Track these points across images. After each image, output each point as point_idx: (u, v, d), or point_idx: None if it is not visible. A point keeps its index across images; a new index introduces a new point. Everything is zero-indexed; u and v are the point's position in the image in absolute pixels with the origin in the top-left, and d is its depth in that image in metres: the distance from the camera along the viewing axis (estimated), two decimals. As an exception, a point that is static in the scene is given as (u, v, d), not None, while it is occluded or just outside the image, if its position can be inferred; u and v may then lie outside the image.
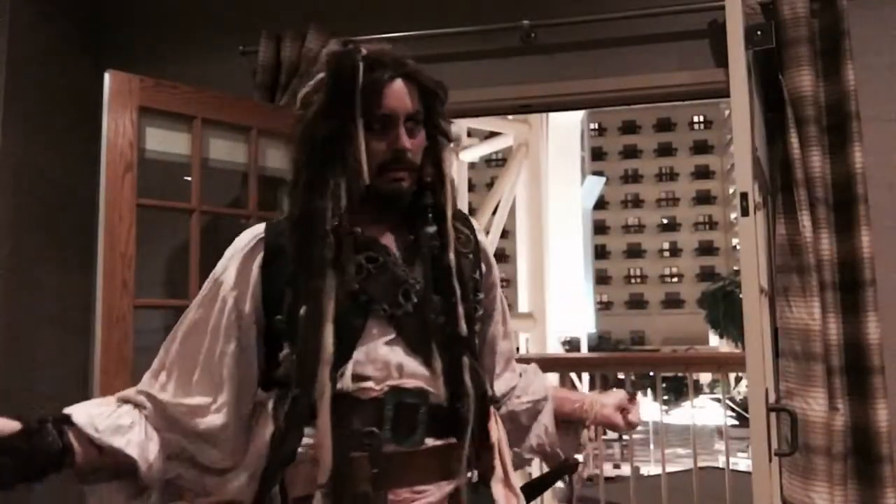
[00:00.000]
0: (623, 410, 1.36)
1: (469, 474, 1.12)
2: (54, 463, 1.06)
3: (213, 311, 1.16)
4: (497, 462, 1.19)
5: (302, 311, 1.09)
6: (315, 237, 1.10)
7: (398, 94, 1.13)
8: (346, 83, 1.11)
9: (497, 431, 1.22)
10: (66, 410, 1.10)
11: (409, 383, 1.11)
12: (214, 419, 1.14)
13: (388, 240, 1.19)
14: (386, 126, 1.12)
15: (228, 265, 1.18)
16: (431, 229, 1.16)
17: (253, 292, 1.16)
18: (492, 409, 1.22)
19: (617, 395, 1.38)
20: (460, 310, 1.14)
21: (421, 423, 1.10)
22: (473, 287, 1.20)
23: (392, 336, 1.12)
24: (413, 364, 1.12)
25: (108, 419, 1.11)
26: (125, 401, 1.17)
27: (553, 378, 3.29)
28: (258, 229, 1.21)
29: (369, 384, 1.10)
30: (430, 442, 1.10)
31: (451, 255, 1.15)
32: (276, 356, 1.14)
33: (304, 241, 1.12)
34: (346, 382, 1.08)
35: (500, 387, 1.35)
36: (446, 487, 1.10)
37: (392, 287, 1.13)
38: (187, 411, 1.14)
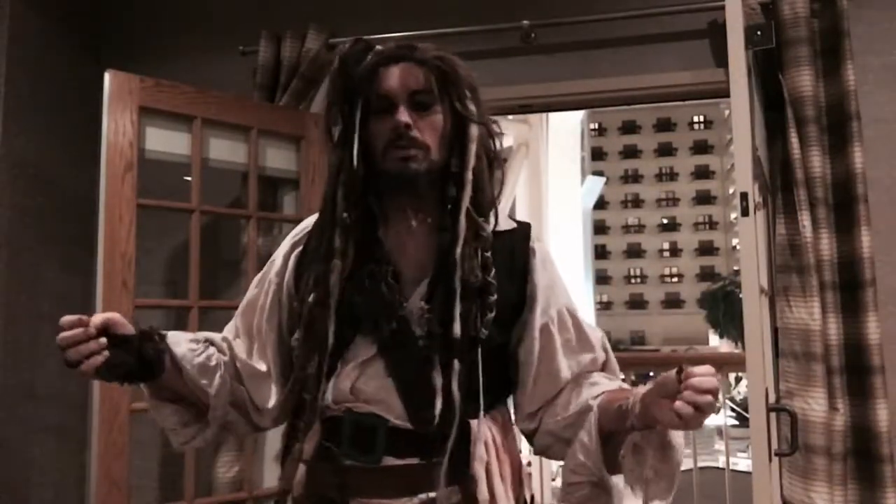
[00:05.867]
0: (675, 394, 0.94)
1: (432, 494, 1.08)
2: (149, 371, 1.12)
3: (262, 292, 1.25)
4: (483, 492, 1.11)
5: (310, 297, 1.12)
6: (326, 224, 1.14)
7: (397, 75, 1.11)
8: (350, 72, 1.11)
9: (488, 457, 1.13)
10: (168, 336, 1.18)
11: (363, 408, 1.11)
12: (267, 390, 1.23)
13: (406, 233, 1.16)
14: (387, 108, 1.10)
15: (281, 249, 1.26)
16: (447, 222, 1.12)
17: (288, 281, 1.22)
18: (484, 430, 1.12)
19: (663, 377, 0.98)
20: (456, 311, 1.08)
21: (379, 444, 1.09)
22: (484, 288, 1.11)
23: (372, 354, 1.11)
24: (374, 389, 1.10)
25: (200, 357, 1.19)
26: (211, 343, 1.24)
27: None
28: (311, 220, 1.25)
29: (329, 404, 1.12)
30: (389, 461, 1.09)
31: (458, 250, 1.09)
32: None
33: (320, 227, 1.16)
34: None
35: (531, 403, 1.21)
36: None
37: (378, 307, 1.10)
38: (254, 373, 1.23)
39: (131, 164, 2.20)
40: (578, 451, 1.11)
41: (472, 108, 1.14)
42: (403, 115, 1.09)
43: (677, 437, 1.07)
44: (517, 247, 1.20)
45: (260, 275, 1.27)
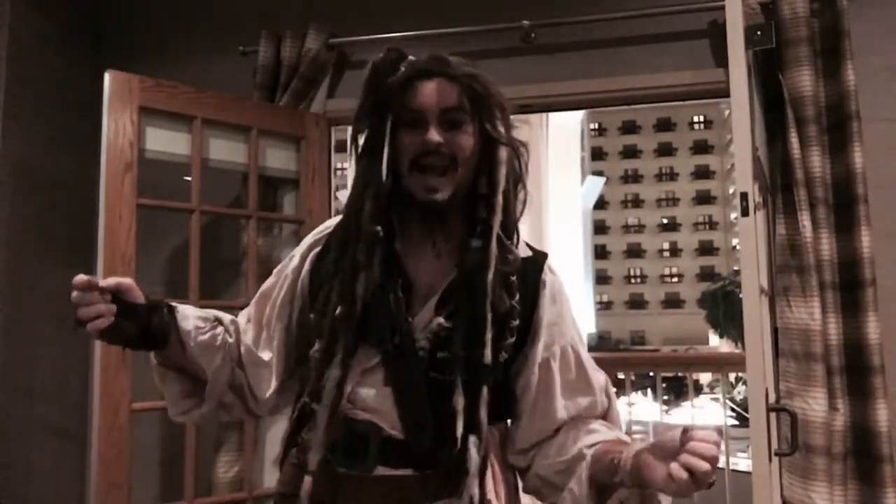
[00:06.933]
0: (673, 456, 0.91)
1: None
2: (154, 341, 1.15)
3: (278, 285, 1.25)
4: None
5: (338, 311, 1.10)
6: (349, 236, 1.12)
7: (431, 90, 1.10)
8: (382, 84, 1.11)
9: (483, 474, 1.11)
10: (178, 309, 1.19)
11: (359, 415, 1.11)
12: (267, 380, 1.24)
13: (427, 249, 1.15)
14: (418, 123, 1.10)
15: (301, 247, 1.26)
16: (476, 244, 1.10)
17: (303, 278, 1.22)
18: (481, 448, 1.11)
19: (664, 437, 0.95)
20: (488, 337, 1.07)
21: (372, 452, 1.09)
22: (508, 313, 1.12)
23: (374, 364, 1.11)
24: (372, 397, 1.11)
25: (204, 336, 1.20)
26: (220, 322, 1.25)
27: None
28: (333, 221, 1.24)
29: None
30: (383, 471, 1.10)
31: (489, 276, 1.08)
32: (307, 352, 1.17)
33: (343, 240, 1.14)
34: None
35: (524, 439, 1.20)
36: None
37: (383, 319, 1.10)
38: (256, 361, 1.24)
39: (131, 164, 2.20)
40: (568, 501, 1.10)
41: (501, 129, 1.13)
42: (434, 135, 1.08)
43: (665, 499, 1.04)
44: (529, 277, 1.18)
45: (279, 267, 1.28)
